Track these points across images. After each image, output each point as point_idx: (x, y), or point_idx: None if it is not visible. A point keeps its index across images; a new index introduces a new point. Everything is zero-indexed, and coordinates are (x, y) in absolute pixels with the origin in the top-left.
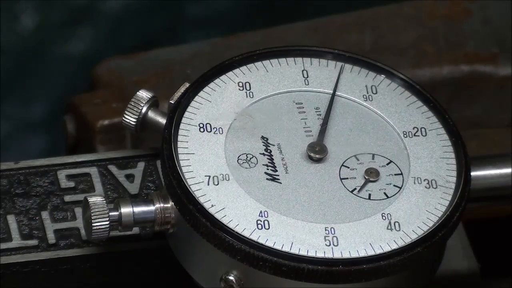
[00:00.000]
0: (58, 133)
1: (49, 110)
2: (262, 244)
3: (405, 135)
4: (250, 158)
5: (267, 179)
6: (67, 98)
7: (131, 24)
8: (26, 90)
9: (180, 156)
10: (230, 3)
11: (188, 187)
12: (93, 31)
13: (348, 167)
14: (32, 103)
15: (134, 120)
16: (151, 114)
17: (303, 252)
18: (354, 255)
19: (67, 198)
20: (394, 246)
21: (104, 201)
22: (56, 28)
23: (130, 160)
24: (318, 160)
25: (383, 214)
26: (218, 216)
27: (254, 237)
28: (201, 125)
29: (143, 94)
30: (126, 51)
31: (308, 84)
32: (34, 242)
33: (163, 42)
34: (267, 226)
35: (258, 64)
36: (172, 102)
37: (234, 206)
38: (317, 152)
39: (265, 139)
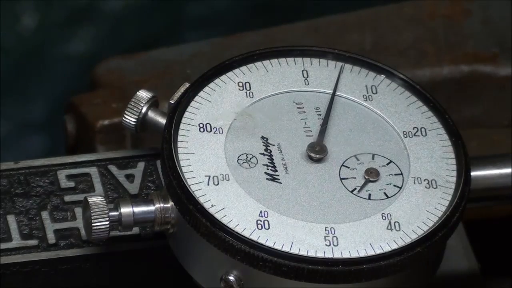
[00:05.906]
0: (58, 133)
1: (49, 110)
2: (262, 244)
3: (405, 135)
4: (250, 158)
5: (267, 179)
6: (67, 98)
7: (131, 24)
8: (26, 90)
9: (180, 156)
10: (230, 3)
11: (188, 187)
12: (93, 31)
13: (348, 167)
14: (32, 103)
15: (134, 120)
16: (151, 114)
17: (303, 252)
18: (354, 255)
19: (67, 198)
20: (394, 246)
21: (104, 201)
22: (56, 28)
23: (130, 160)
24: (318, 160)
25: (383, 214)
26: (218, 216)
27: (254, 237)
28: (201, 125)
29: (143, 94)
30: (126, 51)
31: (308, 84)
32: (34, 242)
33: (163, 42)
34: (267, 226)
35: (258, 64)
36: (172, 102)
37: (234, 206)
38: (317, 152)
39: (265, 139)
